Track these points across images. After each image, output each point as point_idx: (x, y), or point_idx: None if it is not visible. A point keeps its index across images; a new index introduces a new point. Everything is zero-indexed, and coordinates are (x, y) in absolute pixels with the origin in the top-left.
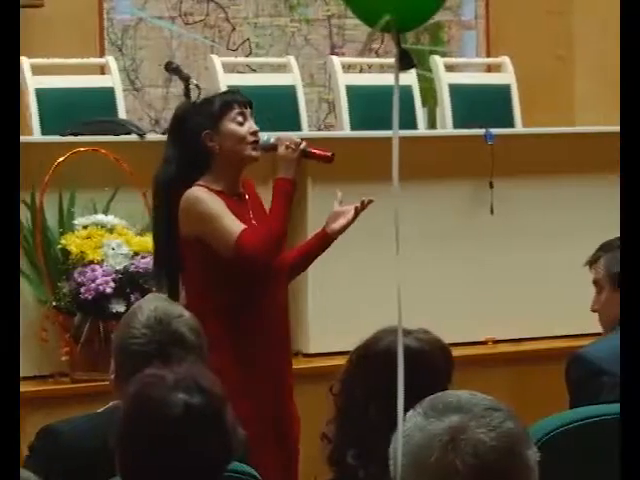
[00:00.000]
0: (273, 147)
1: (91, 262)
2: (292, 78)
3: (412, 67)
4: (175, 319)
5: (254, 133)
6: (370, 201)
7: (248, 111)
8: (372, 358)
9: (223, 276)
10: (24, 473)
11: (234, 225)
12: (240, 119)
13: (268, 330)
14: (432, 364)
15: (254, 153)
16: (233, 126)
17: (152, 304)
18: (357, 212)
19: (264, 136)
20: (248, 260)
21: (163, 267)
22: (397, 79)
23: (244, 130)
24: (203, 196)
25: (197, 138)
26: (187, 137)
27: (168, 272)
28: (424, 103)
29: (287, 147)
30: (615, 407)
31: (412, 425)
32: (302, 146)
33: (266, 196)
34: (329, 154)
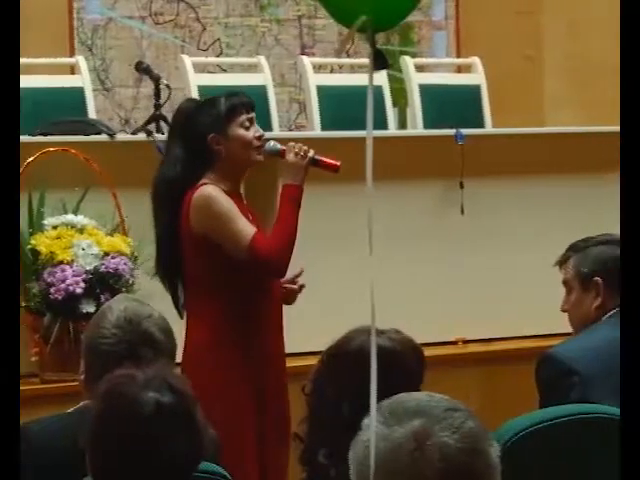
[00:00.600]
0: (280, 153)
1: (61, 262)
2: (263, 78)
3: (386, 67)
4: (145, 319)
5: (259, 138)
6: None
7: (253, 114)
8: (344, 358)
9: (228, 277)
10: None
11: (248, 227)
12: (247, 124)
13: (271, 339)
14: (405, 364)
15: (259, 157)
16: (240, 131)
17: (122, 304)
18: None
19: (270, 142)
20: (261, 264)
21: (167, 268)
22: (371, 79)
23: (250, 135)
24: (217, 195)
25: (203, 140)
26: (193, 138)
27: (169, 273)
28: (395, 103)
29: (296, 154)
30: (585, 407)
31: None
32: (311, 154)
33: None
34: (337, 164)
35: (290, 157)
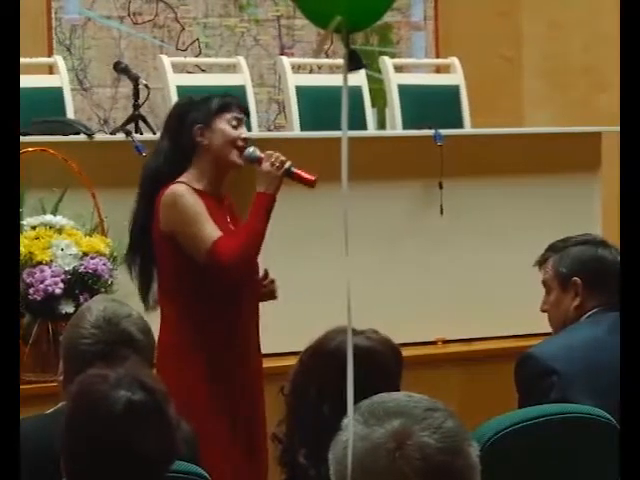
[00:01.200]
0: (258, 160)
1: (40, 263)
2: (242, 78)
3: (361, 68)
4: (124, 319)
5: (244, 140)
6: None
7: (244, 119)
8: (323, 358)
9: (192, 278)
10: None
11: (211, 231)
12: (235, 123)
13: (239, 341)
14: (384, 364)
15: (238, 160)
16: (226, 127)
17: (101, 305)
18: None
19: (250, 148)
20: (219, 269)
21: (137, 255)
22: (346, 80)
23: (235, 133)
24: (185, 195)
25: (189, 131)
26: (179, 130)
27: (141, 263)
28: (373, 104)
29: (272, 164)
30: (564, 407)
31: (353, 433)
32: (287, 165)
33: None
34: (313, 178)
35: (266, 166)
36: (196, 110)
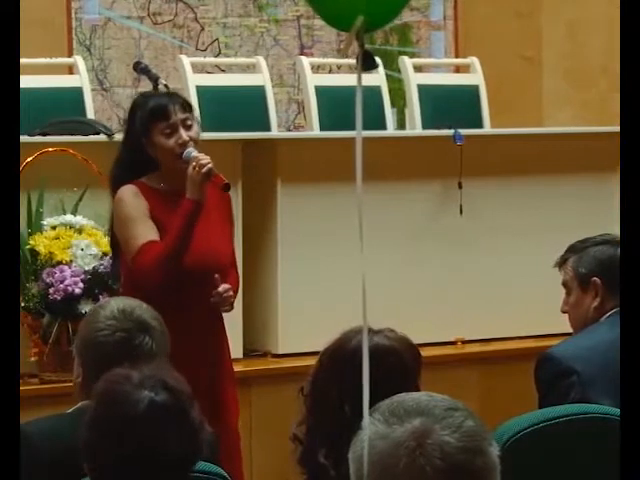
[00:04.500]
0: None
1: (60, 263)
2: (261, 78)
3: (375, 67)
4: (137, 307)
5: (181, 144)
6: None
7: (181, 117)
8: (343, 358)
9: (134, 281)
10: None
11: (141, 237)
12: (167, 131)
13: (186, 340)
14: (404, 362)
15: (184, 165)
16: (161, 139)
17: (111, 301)
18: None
19: (189, 149)
20: (140, 275)
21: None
22: (360, 79)
23: (170, 143)
24: (125, 198)
25: (138, 143)
26: (130, 139)
27: (112, 266)
28: (393, 104)
29: (193, 168)
30: (584, 407)
31: (373, 433)
32: (204, 170)
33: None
34: (225, 182)
35: (189, 170)
36: (137, 120)
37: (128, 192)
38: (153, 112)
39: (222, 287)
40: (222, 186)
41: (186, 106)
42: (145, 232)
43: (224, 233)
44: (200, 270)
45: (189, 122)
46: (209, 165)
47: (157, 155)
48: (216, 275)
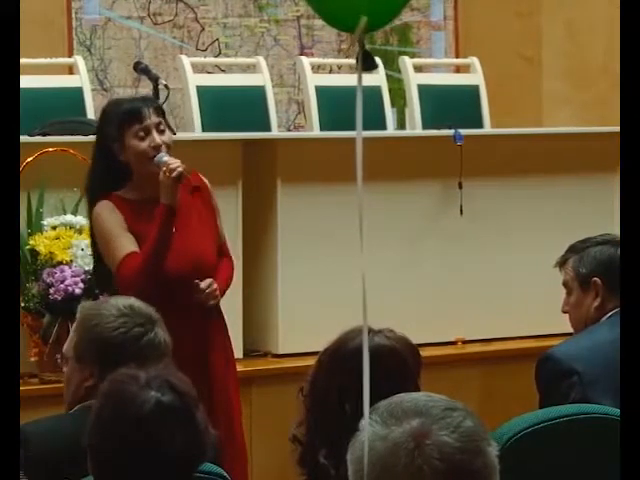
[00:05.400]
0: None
1: (60, 263)
2: (261, 78)
3: (375, 68)
4: (139, 302)
5: (155, 147)
6: None
7: (155, 120)
8: (343, 358)
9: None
10: None
11: (120, 249)
12: (141, 134)
13: (194, 335)
14: (403, 362)
15: (156, 169)
16: (134, 142)
17: (112, 300)
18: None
19: (160, 154)
20: (125, 286)
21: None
22: (360, 80)
23: (144, 146)
24: (102, 213)
25: (110, 149)
26: (102, 146)
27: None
28: (393, 104)
29: (164, 172)
30: (585, 407)
31: (371, 434)
32: (175, 174)
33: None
34: (196, 185)
35: (160, 175)
36: (108, 124)
37: (104, 209)
38: (127, 114)
39: (204, 283)
40: (191, 188)
41: (160, 111)
42: (124, 244)
43: (205, 232)
44: (186, 274)
45: (162, 127)
46: (179, 169)
47: (130, 159)
48: (196, 280)
